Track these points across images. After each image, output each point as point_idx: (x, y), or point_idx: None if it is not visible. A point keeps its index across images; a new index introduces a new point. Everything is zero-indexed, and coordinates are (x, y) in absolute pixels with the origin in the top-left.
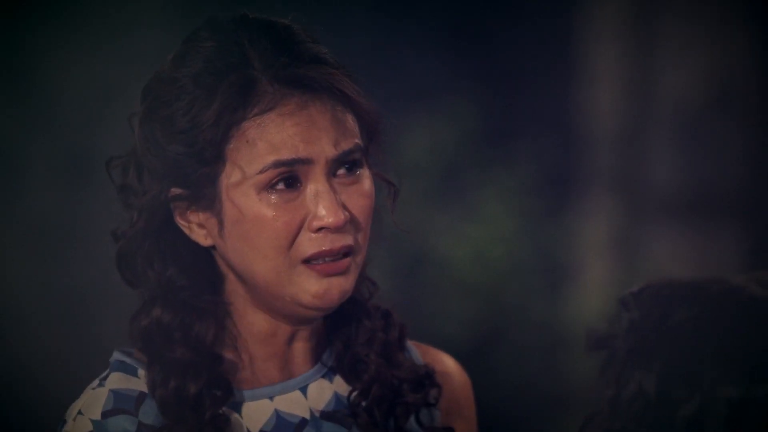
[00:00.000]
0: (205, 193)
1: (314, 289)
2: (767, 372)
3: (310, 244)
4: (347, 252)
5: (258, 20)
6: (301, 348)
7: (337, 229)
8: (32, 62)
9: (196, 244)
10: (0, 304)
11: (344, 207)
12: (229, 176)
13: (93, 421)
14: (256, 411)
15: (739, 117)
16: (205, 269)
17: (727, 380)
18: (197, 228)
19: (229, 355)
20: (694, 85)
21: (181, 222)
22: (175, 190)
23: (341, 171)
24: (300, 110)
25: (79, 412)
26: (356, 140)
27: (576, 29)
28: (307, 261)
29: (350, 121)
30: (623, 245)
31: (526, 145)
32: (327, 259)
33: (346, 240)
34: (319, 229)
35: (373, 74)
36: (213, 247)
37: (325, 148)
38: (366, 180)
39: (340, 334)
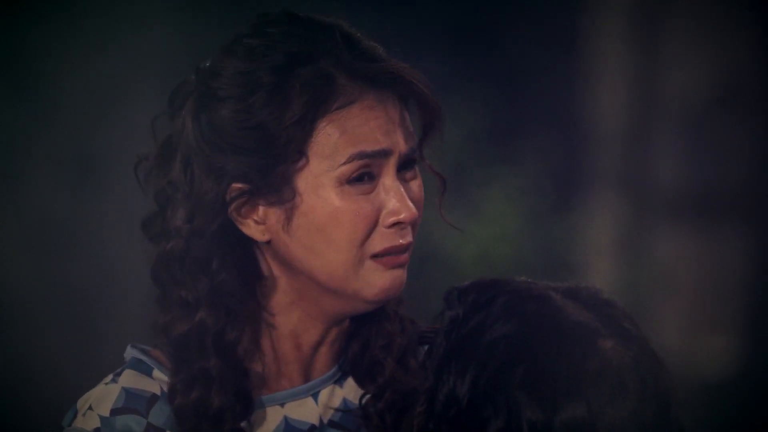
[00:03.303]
0: (275, 188)
1: (380, 282)
2: (567, 399)
3: (381, 239)
4: (409, 248)
5: (325, 20)
6: (324, 352)
7: (408, 225)
8: (36, 62)
9: (245, 245)
10: (3, 302)
11: (415, 205)
12: (309, 169)
13: (101, 417)
14: (265, 417)
15: (744, 116)
16: (251, 272)
17: (531, 404)
18: (254, 224)
19: (255, 364)
20: (698, 84)
21: (236, 217)
22: (237, 185)
23: (402, 167)
24: (378, 104)
25: (89, 407)
26: (415, 138)
27: (581, 29)
28: (375, 256)
29: (409, 118)
30: (628, 244)
31: (531, 144)
32: (393, 252)
33: (411, 237)
34: (393, 225)
35: None
36: (267, 242)
37: (400, 141)
38: (419, 177)
39: (360, 336)
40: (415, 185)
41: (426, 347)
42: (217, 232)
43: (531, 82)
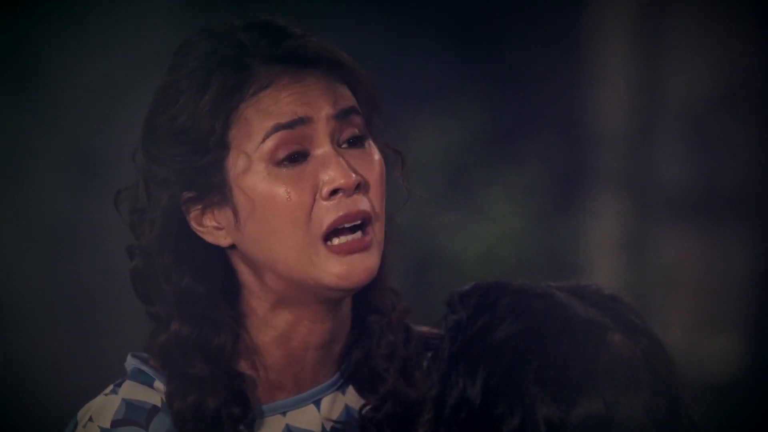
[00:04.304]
0: (214, 186)
1: (337, 269)
2: (582, 394)
3: (326, 213)
4: (365, 219)
5: (249, 20)
6: (320, 356)
7: (350, 191)
8: (38, 63)
9: (212, 252)
10: (6, 302)
11: (355, 171)
12: (236, 161)
13: (102, 429)
14: (268, 427)
15: (747, 117)
16: (220, 278)
17: (546, 400)
18: (215, 230)
19: (247, 369)
20: (701, 85)
21: (197, 228)
22: (187, 194)
23: (346, 144)
24: (295, 83)
25: (90, 419)
26: (353, 103)
27: (584, 29)
28: (328, 238)
29: (346, 89)
30: (631, 244)
31: (534, 144)
32: (347, 226)
33: (363, 205)
34: (333, 194)
35: (382, 75)
36: (232, 247)
37: (324, 107)
38: (373, 150)
39: (362, 344)
40: (364, 158)
41: (430, 353)
42: (179, 243)
43: (534, 83)
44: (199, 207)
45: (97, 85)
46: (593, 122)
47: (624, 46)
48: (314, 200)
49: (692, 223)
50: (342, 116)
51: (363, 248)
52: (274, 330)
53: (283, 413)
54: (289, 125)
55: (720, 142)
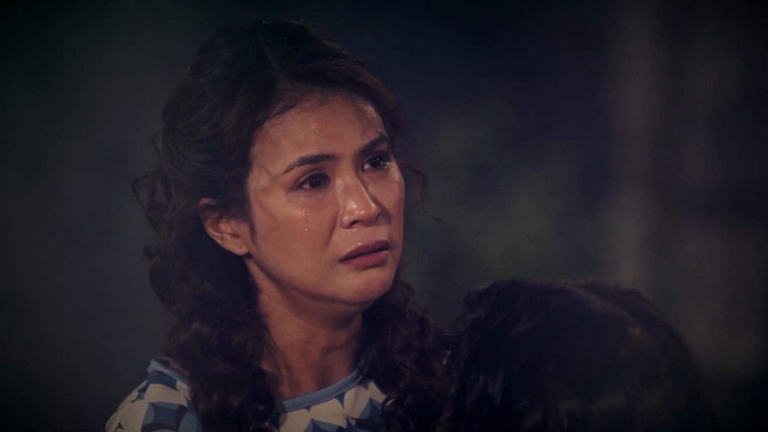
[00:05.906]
0: (234, 199)
1: (354, 284)
2: (604, 388)
3: (345, 241)
4: (383, 248)
5: (272, 24)
6: (337, 356)
7: (369, 222)
8: (63, 62)
9: (229, 256)
10: (32, 300)
11: (375, 200)
12: (257, 179)
13: None
14: (293, 422)
15: None
16: (239, 281)
17: (568, 394)
18: (231, 237)
19: (268, 368)
20: (727, 83)
21: (213, 233)
22: (205, 201)
23: (368, 165)
24: (321, 105)
25: (119, 426)
26: (380, 130)
27: (609, 27)
28: (345, 259)
29: (373, 112)
30: (656, 243)
31: (559, 143)
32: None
33: (380, 235)
34: (352, 224)
35: (406, 74)
36: (248, 255)
37: (351, 142)
38: (395, 172)
39: (376, 341)
40: (384, 182)
41: (449, 352)
42: (197, 247)
43: (558, 81)
44: (216, 214)
45: (123, 86)
46: (618, 120)
47: (648, 44)
48: (333, 227)
49: (717, 222)
50: (368, 148)
51: (378, 264)
52: (291, 336)
53: (308, 408)
54: (314, 160)
55: (745, 140)
